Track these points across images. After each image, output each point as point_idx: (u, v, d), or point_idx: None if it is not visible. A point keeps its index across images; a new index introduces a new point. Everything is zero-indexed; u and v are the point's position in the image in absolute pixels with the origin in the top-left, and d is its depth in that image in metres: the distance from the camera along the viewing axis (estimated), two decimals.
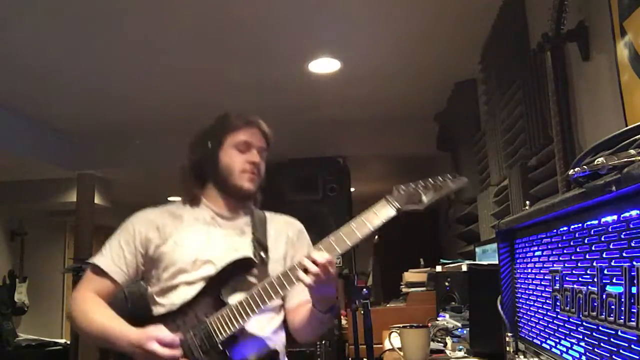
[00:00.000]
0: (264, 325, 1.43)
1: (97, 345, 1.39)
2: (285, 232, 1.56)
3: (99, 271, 1.43)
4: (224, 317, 1.32)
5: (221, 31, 2.92)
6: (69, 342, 4.46)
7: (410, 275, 2.99)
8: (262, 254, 1.44)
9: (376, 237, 5.70)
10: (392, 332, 1.60)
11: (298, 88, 3.78)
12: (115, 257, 1.43)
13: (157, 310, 1.43)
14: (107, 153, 4.77)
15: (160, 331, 1.27)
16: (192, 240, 1.45)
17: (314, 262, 1.24)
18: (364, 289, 2.21)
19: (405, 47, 3.18)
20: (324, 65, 3.42)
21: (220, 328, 1.32)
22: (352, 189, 4.84)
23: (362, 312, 2.17)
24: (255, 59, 3.24)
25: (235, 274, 1.40)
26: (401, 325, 1.56)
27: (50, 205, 5.88)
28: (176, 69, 3.27)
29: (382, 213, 1.30)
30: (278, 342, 1.46)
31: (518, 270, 1.18)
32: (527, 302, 1.11)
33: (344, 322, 3.48)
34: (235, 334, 1.32)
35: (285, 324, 1.53)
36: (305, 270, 1.25)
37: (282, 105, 4.03)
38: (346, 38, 3.07)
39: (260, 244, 1.47)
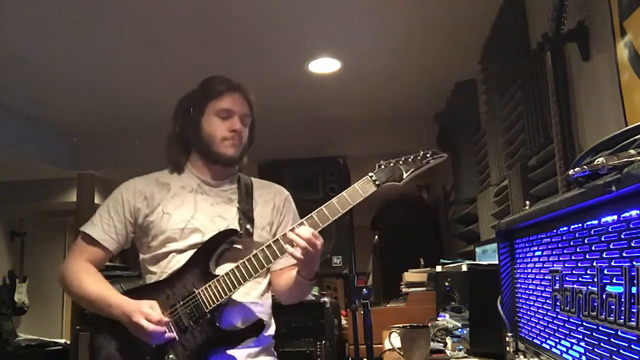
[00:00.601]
0: (250, 290, 1.48)
1: (88, 309, 1.45)
2: (271, 199, 1.60)
3: (90, 240, 1.48)
4: (211, 289, 1.37)
5: (221, 31, 2.92)
6: (69, 342, 4.46)
7: (410, 275, 2.99)
8: (248, 225, 1.48)
9: (376, 237, 5.70)
10: (392, 332, 1.60)
11: (298, 88, 3.78)
12: (105, 226, 1.48)
13: (149, 278, 1.49)
14: (107, 153, 4.77)
15: (150, 308, 1.32)
16: (180, 209, 1.48)
17: (299, 236, 1.32)
18: (364, 289, 2.21)
19: (405, 47, 3.18)
20: (324, 65, 3.41)
21: (209, 299, 1.37)
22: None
23: (362, 312, 2.16)
24: (255, 59, 3.24)
25: (221, 244, 1.44)
26: (401, 325, 1.56)
27: (50, 205, 5.88)
28: (176, 69, 3.27)
29: (364, 189, 1.39)
30: (265, 305, 1.52)
31: (518, 270, 1.18)
32: (527, 302, 1.11)
33: (344, 322, 3.48)
34: (223, 303, 1.38)
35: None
36: (292, 244, 1.33)
37: (282, 105, 4.02)
38: (346, 38, 3.06)
39: (245, 214, 1.51)
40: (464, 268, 2.16)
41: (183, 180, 1.55)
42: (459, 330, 1.75)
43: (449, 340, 1.69)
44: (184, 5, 2.65)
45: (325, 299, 3.36)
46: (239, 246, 1.47)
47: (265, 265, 1.37)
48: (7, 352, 5.07)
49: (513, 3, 2.49)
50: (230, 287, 1.36)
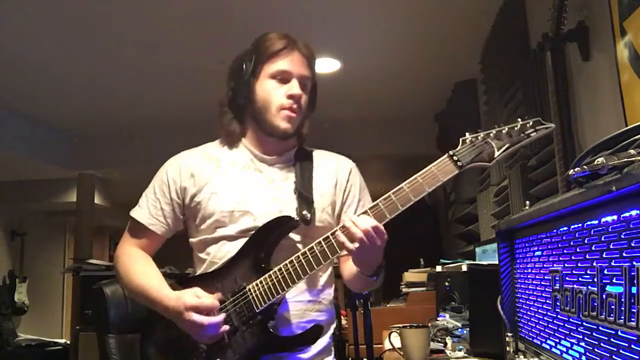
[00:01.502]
0: (309, 286, 1.31)
1: (142, 303, 1.29)
2: (333, 173, 1.40)
3: (137, 225, 1.34)
4: (263, 285, 1.20)
5: (221, 31, 2.92)
6: (69, 342, 4.46)
7: (410, 275, 2.98)
8: (305, 210, 1.27)
9: None
10: (392, 332, 1.60)
11: None
12: (152, 209, 1.34)
13: (198, 267, 1.35)
14: (107, 153, 4.77)
15: (195, 298, 1.16)
16: (230, 187, 1.31)
17: (356, 225, 1.10)
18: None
19: (405, 47, 3.18)
20: (324, 65, 3.41)
21: (260, 296, 1.20)
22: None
23: (362, 312, 2.17)
24: None
25: (275, 233, 1.26)
26: (401, 325, 1.56)
27: (50, 205, 5.88)
28: (176, 69, 3.27)
29: (443, 171, 1.14)
30: (325, 301, 1.35)
31: (518, 270, 1.18)
32: (527, 302, 1.11)
33: (344, 322, 3.47)
34: (275, 302, 1.21)
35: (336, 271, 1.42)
36: (349, 235, 1.11)
37: None
38: (346, 38, 3.06)
39: (303, 197, 1.30)
40: (464, 268, 2.16)
41: (235, 154, 1.36)
42: (459, 330, 1.75)
43: (449, 340, 1.69)
44: (184, 6, 2.65)
45: None
46: (297, 235, 1.28)
47: (322, 261, 1.16)
48: (7, 352, 5.08)
49: (513, 3, 2.49)
50: (284, 285, 1.18)
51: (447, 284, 2.29)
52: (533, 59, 2.15)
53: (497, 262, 1.23)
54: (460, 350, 1.57)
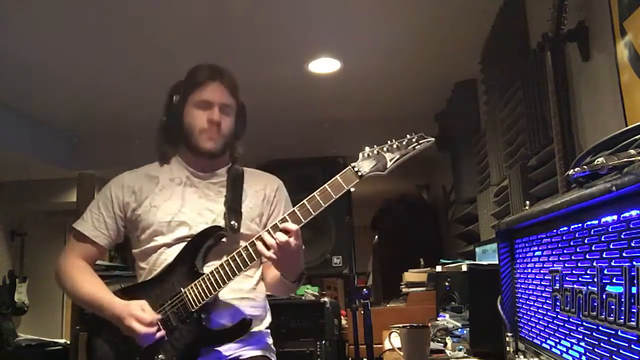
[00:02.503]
0: (241, 285, 1.47)
1: (82, 307, 1.48)
2: (262, 190, 1.58)
3: (82, 236, 1.49)
4: (197, 288, 1.36)
5: (221, 31, 2.92)
6: (69, 342, 4.46)
7: (410, 275, 2.98)
8: (233, 220, 1.45)
9: (376, 237, 5.71)
10: (392, 332, 1.60)
11: (298, 88, 3.78)
12: (95, 222, 1.49)
13: (139, 275, 1.50)
14: (107, 153, 4.77)
15: (142, 311, 1.33)
16: (168, 202, 1.48)
17: (285, 230, 1.29)
18: (364, 289, 2.22)
19: (405, 47, 3.18)
20: (324, 65, 3.41)
21: (194, 298, 1.36)
22: (352, 189, 4.83)
23: (362, 312, 2.17)
24: (255, 59, 3.24)
25: (207, 241, 1.42)
26: (401, 325, 1.56)
27: (50, 205, 5.88)
28: (176, 69, 3.26)
29: (347, 181, 1.34)
30: (257, 298, 1.51)
31: (518, 270, 1.18)
32: (527, 302, 1.11)
33: (344, 322, 3.47)
34: (209, 302, 1.37)
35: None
36: (266, 244, 1.31)
37: (282, 105, 4.02)
38: (346, 38, 3.06)
39: (232, 209, 1.48)
40: (464, 268, 2.16)
41: (172, 172, 1.54)
42: (459, 330, 1.75)
43: (449, 340, 1.69)
44: (184, 6, 2.65)
45: (325, 299, 3.36)
46: (227, 242, 1.45)
47: (249, 263, 1.35)
48: (7, 352, 5.08)
49: (513, 3, 2.49)
50: (215, 285, 1.35)
51: (447, 284, 2.29)
52: (533, 59, 2.15)
53: (497, 262, 1.23)
54: (460, 350, 1.57)
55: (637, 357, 0.66)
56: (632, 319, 0.66)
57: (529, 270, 1.09)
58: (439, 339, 1.75)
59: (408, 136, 1.39)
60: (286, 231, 1.31)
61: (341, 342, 3.36)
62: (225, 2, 2.64)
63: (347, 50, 3.23)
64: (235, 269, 1.34)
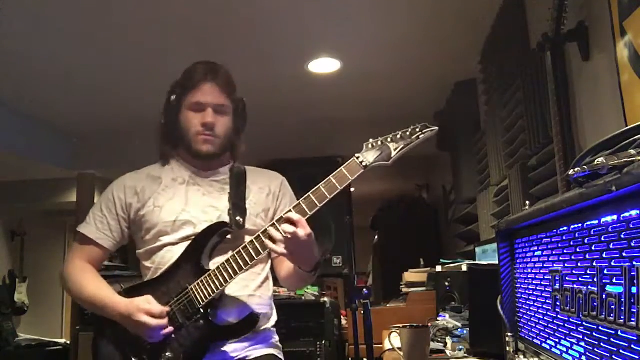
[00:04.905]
0: (248, 282, 1.45)
1: (90, 310, 1.45)
2: (267, 185, 1.57)
3: (86, 239, 1.48)
4: (203, 284, 1.35)
5: (221, 31, 2.92)
6: (69, 342, 4.46)
7: (410, 275, 2.98)
8: (238, 216, 1.44)
9: (376, 237, 5.71)
10: (392, 332, 1.60)
11: (298, 88, 3.78)
12: (99, 224, 1.48)
13: (145, 275, 1.49)
14: (107, 153, 4.77)
15: (149, 304, 1.31)
16: (171, 201, 1.47)
17: (290, 221, 1.28)
18: (364, 289, 2.21)
19: (405, 47, 3.18)
20: (324, 65, 3.41)
21: (201, 294, 1.35)
22: (352, 189, 4.84)
23: (362, 312, 2.16)
24: (255, 59, 3.24)
25: (212, 238, 1.41)
26: (401, 325, 1.56)
27: (50, 205, 5.88)
28: (176, 69, 3.26)
29: (351, 172, 1.34)
30: (264, 296, 1.49)
31: (518, 270, 1.18)
32: (527, 302, 1.11)
33: (344, 322, 3.48)
34: (215, 298, 1.36)
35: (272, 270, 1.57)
36: (274, 239, 1.29)
37: (282, 106, 4.02)
38: (346, 38, 3.06)
39: (236, 204, 1.47)
40: (464, 268, 2.16)
41: (175, 172, 1.53)
42: (459, 330, 1.75)
43: (449, 340, 1.69)
44: (184, 6, 2.65)
45: (325, 299, 3.36)
46: (233, 238, 1.44)
47: (255, 257, 1.33)
48: (7, 352, 5.08)
49: (513, 3, 2.49)
50: (222, 281, 1.34)
51: (447, 284, 2.29)
52: (533, 59, 2.15)
53: (497, 262, 1.23)
54: (460, 350, 1.57)
55: (637, 357, 0.66)
56: (632, 319, 0.66)
57: (529, 270, 1.09)
58: (439, 339, 1.75)
59: (412, 126, 1.37)
60: (291, 222, 1.29)
61: (341, 342, 3.36)
62: (225, 2, 2.64)
63: (347, 50, 3.23)
64: (241, 264, 1.33)
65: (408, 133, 1.36)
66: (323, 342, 3.19)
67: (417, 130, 1.36)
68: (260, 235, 1.33)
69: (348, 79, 3.60)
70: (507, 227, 1.19)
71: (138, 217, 1.48)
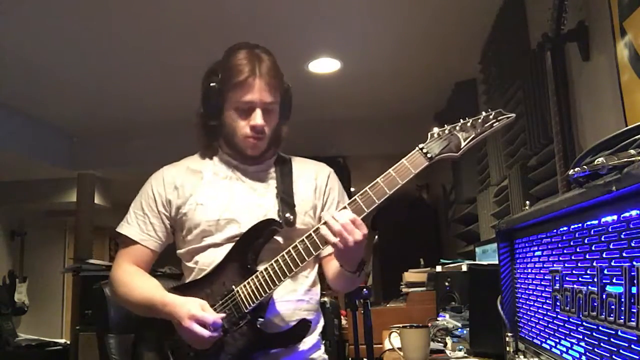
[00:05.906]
0: (297, 286, 1.34)
1: (144, 315, 1.31)
2: (313, 179, 1.44)
3: (129, 241, 1.36)
4: (250, 286, 1.23)
5: (221, 31, 2.92)
6: (69, 342, 4.46)
7: (410, 275, 2.98)
8: (288, 212, 1.32)
9: (376, 237, 5.70)
10: (392, 332, 1.60)
11: (298, 88, 3.76)
12: (141, 224, 1.36)
13: (187, 276, 1.38)
14: (107, 153, 4.77)
15: (200, 310, 1.19)
16: (214, 198, 1.35)
17: (334, 219, 1.15)
18: (364, 289, 2.21)
19: (405, 47, 3.18)
20: (324, 65, 3.42)
21: (247, 297, 1.23)
22: (352, 189, 4.84)
23: (362, 312, 2.16)
24: None
25: (260, 236, 1.29)
26: (401, 325, 1.56)
27: (50, 205, 5.88)
28: (176, 70, 3.27)
29: (414, 164, 1.20)
30: (312, 300, 1.38)
31: (518, 270, 1.18)
32: (527, 302, 1.11)
33: (344, 322, 3.47)
34: (263, 302, 1.24)
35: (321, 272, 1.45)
36: (330, 229, 1.15)
37: None
38: (346, 38, 3.06)
39: (285, 201, 1.35)
40: (464, 268, 2.16)
41: (216, 165, 1.41)
42: (459, 330, 1.75)
43: (449, 340, 1.69)
44: (183, 7, 2.65)
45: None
46: (280, 237, 1.31)
47: (306, 258, 1.20)
48: (7, 352, 5.08)
49: (513, 3, 2.49)
50: (270, 284, 1.21)
51: (447, 284, 2.29)
52: (533, 59, 2.15)
53: (497, 262, 1.23)
54: (460, 350, 1.57)
55: (637, 357, 0.66)
56: (632, 319, 0.66)
57: (529, 270, 1.09)
58: (439, 339, 1.75)
59: (484, 113, 1.21)
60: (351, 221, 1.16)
61: (341, 342, 3.36)
62: (225, 2, 2.64)
63: (347, 50, 3.23)
64: (291, 265, 1.20)
65: (480, 121, 1.21)
66: (323, 342, 3.18)
67: (491, 117, 1.20)
68: (312, 233, 1.20)
69: (348, 79, 3.60)
70: (507, 227, 1.19)
71: (179, 215, 1.36)
